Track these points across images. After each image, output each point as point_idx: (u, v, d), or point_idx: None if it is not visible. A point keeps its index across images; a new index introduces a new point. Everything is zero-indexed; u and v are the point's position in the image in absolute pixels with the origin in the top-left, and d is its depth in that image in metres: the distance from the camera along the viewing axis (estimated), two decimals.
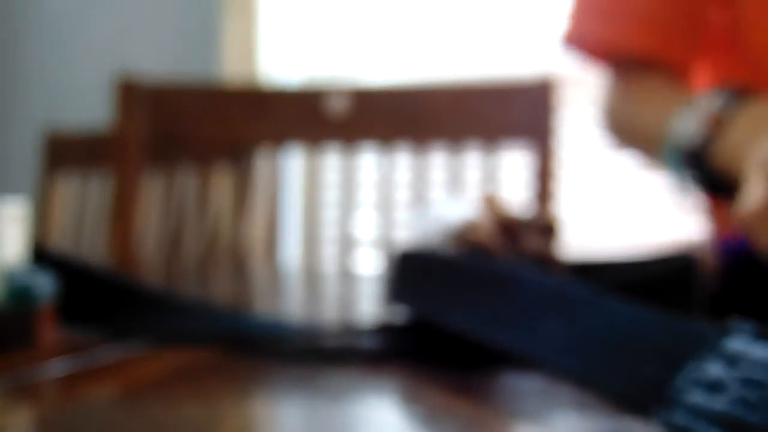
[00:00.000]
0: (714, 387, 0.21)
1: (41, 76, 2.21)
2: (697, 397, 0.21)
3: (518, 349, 0.29)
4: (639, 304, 0.26)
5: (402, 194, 1.19)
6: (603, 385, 0.25)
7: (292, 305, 0.56)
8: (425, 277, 0.36)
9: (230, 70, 1.96)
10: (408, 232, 1.10)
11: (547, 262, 0.40)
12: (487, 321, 0.31)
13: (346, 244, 1.19)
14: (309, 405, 0.27)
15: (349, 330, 0.37)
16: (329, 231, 1.28)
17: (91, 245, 1.46)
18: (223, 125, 1.16)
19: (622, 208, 1.72)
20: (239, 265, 0.97)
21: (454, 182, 1.12)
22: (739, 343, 0.22)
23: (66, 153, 1.44)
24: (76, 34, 2.18)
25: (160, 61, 2.07)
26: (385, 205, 1.17)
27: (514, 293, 0.30)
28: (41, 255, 0.37)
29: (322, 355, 0.35)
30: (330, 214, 1.29)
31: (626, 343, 0.25)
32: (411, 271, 0.37)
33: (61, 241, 1.42)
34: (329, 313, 0.50)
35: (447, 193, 1.12)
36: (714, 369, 0.22)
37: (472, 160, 1.12)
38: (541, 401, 0.29)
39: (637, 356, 0.24)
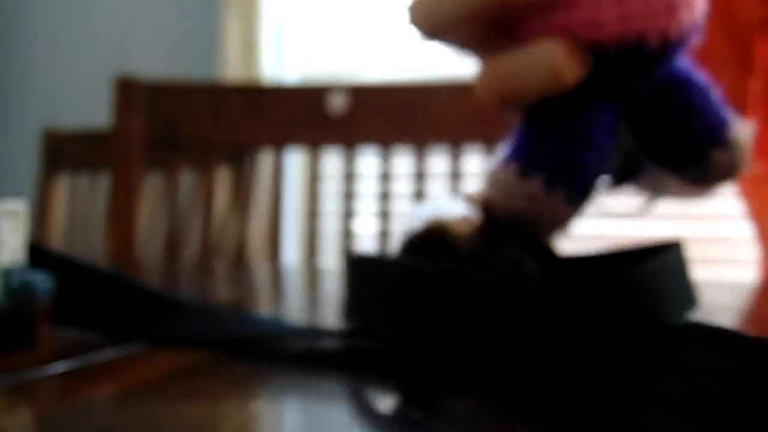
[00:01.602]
0: (673, 401, 0.21)
1: (41, 76, 2.21)
2: (655, 416, 0.21)
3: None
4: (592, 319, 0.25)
5: (402, 194, 1.19)
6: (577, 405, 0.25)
7: (292, 305, 0.56)
8: (377, 286, 0.32)
9: (230, 70, 1.96)
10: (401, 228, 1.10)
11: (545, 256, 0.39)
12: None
13: (347, 244, 1.19)
14: (309, 405, 0.27)
15: (349, 330, 0.37)
16: (329, 231, 1.28)
17: (90, 245, 1.46)
18: (223, 125, 1.16)
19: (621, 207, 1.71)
20: (239, 265, 0.97)
21: (454, 182, 1.12)
22: (696, 353, 0.22)
23: (65, 152, 1.44)
24: (76, 34, 2.18)
25: (160, 61, 2.07)
26: (385, 205, 1.17)
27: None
28: (40, 255, 0.37)
29: (322, 355, 0.35)
30: (330, 214, 1.29)
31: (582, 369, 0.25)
32: (363, 280, 0.33)
33: (60, 241, 1.42)
34: (329, 313, 0.50)
35: (447, 193, 1.12)
36: (671, 383, 0.21)
37: (472, 160, 1.12)
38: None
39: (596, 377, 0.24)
